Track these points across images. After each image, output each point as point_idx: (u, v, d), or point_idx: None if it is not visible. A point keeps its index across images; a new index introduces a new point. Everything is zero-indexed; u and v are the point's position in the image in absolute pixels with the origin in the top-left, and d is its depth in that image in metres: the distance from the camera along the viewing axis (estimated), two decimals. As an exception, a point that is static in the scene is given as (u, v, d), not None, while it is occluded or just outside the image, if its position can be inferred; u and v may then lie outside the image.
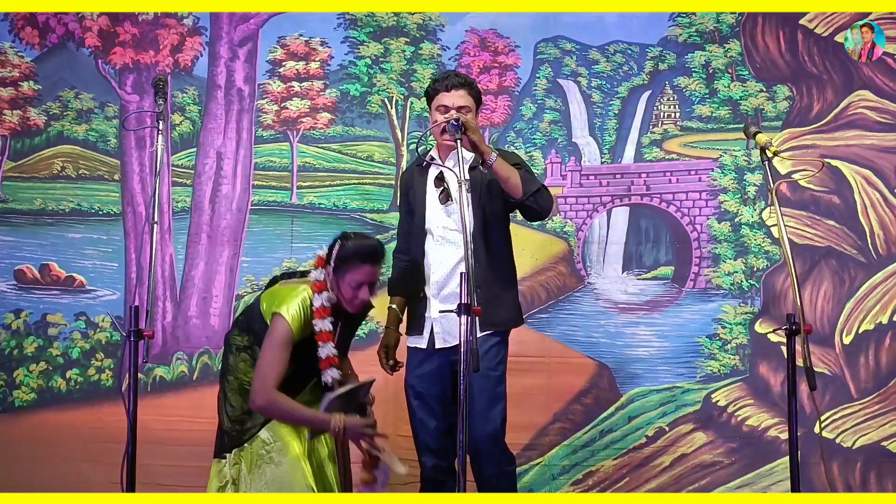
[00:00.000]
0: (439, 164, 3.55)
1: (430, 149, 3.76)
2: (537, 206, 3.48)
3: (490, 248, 3.50)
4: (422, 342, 3.54)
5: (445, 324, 3.46)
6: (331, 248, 3.23)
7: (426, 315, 3.53)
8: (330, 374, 3.14)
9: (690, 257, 4.57)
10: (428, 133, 4.49)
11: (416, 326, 3.58)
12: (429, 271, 3.54)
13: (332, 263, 3.19)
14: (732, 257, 4.54)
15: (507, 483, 3.53)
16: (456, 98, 3.52)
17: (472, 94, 3.55)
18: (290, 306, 3.13)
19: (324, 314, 3.14)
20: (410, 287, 3.63)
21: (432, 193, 3.57)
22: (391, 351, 3.66)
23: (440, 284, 3.50)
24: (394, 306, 3.69)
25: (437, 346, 3.51)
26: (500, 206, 3.53)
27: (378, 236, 4.56)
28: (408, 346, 3.61)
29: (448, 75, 3.64)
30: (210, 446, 3.48)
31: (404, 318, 3.68)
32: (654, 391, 4.49)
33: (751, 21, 4.63)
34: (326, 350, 3.15)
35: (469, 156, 3.49)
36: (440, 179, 3.57)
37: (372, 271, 3.21)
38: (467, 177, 3.17)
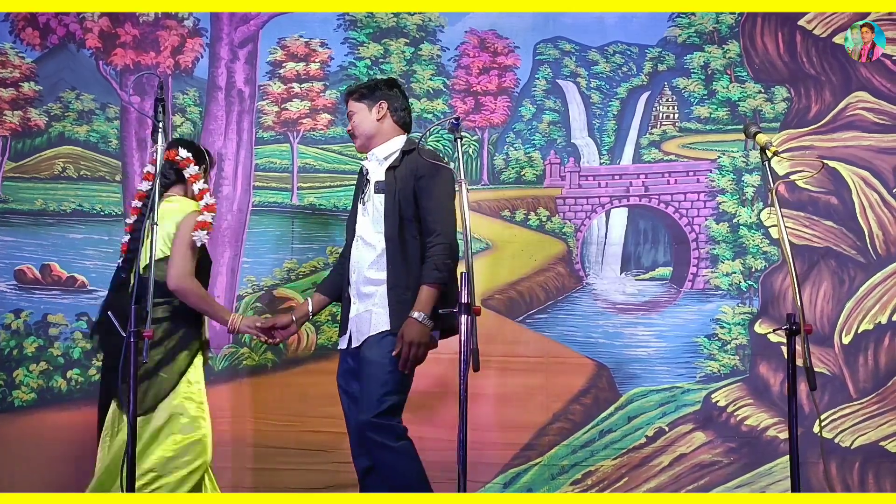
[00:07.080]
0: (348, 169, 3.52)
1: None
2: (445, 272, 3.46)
3: (406, 251, 3.46)
4: (345, 342, 3.58)
5: (360, 324, 3.50)
6: (194, 149, 3.67)
7: (349, 316, 3.56)
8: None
9: (688, 258, 4.58)
10: (428, 133, 4.51)
11: (341, 328, 3.63)
12: (349, 272, 3.59)
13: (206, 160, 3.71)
14: (731, 258, 4.55)
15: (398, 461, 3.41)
16: (349, 109, 3.67)
17: (357, 97, 3.64)
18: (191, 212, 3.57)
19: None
20: (336, 289, 3.70)
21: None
22: (275, 327, 3.66)
23: (357, 285, 3.53)
24: (310, 299, 3.73)
25: (354, 345, 3.52)
26: (414, 209, 3.49)
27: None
28: (339, 349, 3.65)
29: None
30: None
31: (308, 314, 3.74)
32: (653, 391, 4.49)
33: (749, 22, 4.64)
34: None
35: (384, 152, 3.58)
36: (363, 177, 3.65)
37: None
38: (462, 178, 3.16)
